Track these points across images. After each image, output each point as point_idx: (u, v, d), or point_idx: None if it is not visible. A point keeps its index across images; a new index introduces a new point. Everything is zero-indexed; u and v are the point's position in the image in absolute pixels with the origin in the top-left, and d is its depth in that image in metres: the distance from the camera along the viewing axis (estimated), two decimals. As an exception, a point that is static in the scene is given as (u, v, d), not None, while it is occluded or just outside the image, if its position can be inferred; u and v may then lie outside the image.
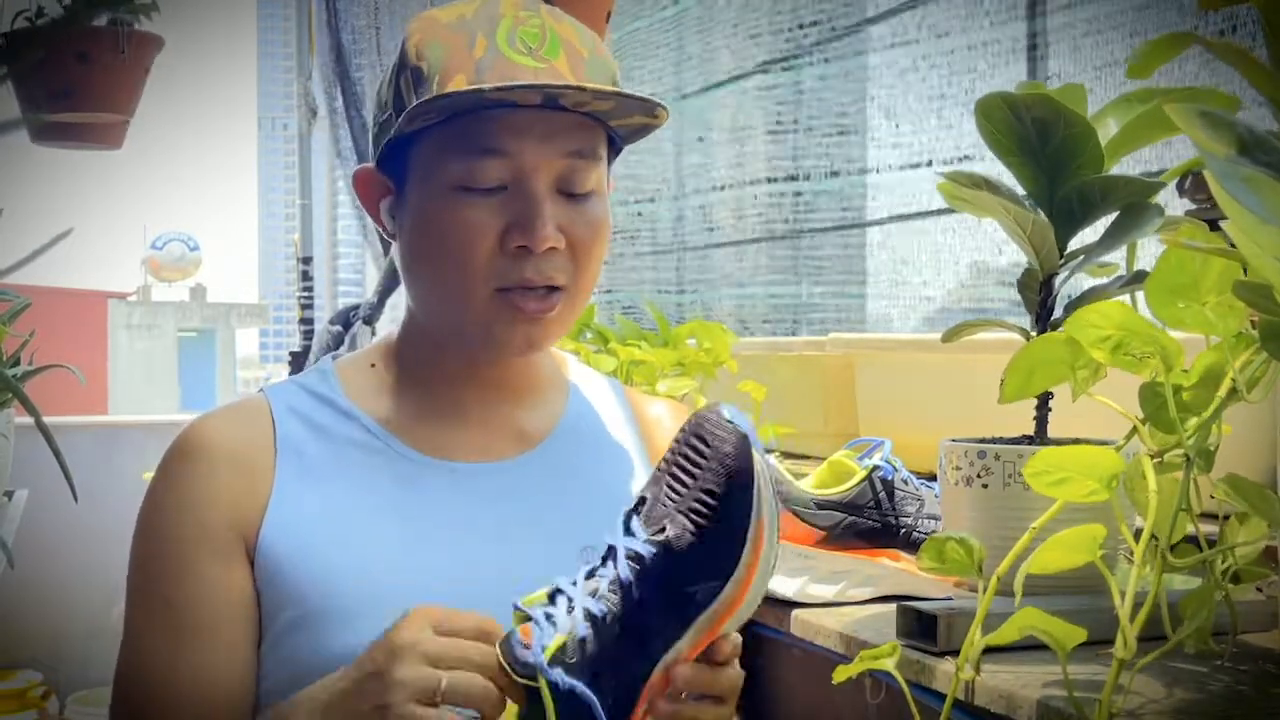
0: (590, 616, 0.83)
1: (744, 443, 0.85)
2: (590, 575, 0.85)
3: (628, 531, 0.86)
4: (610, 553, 0.85)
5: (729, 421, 0.85)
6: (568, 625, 0.83)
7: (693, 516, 0.84)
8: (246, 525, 1.04)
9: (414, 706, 0.83)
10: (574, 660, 0.82)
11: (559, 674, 0.81)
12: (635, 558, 0.84)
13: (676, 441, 0.88)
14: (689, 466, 0.86)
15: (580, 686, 0.81)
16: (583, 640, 0.82)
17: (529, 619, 0.84)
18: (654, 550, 0.84)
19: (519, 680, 0.83)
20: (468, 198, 1.02)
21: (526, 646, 0.83)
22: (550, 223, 1.01)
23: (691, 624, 0.84)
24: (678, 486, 0.85)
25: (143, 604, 1.06)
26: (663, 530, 0.84)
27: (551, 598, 0.85)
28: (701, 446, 0.85)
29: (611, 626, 0.83)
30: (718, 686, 0.88)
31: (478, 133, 1.01)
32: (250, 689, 1.04)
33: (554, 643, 0.82)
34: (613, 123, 1.06)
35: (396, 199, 1.08)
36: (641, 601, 0.83)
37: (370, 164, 1.10)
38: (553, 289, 1.03)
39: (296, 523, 1.03)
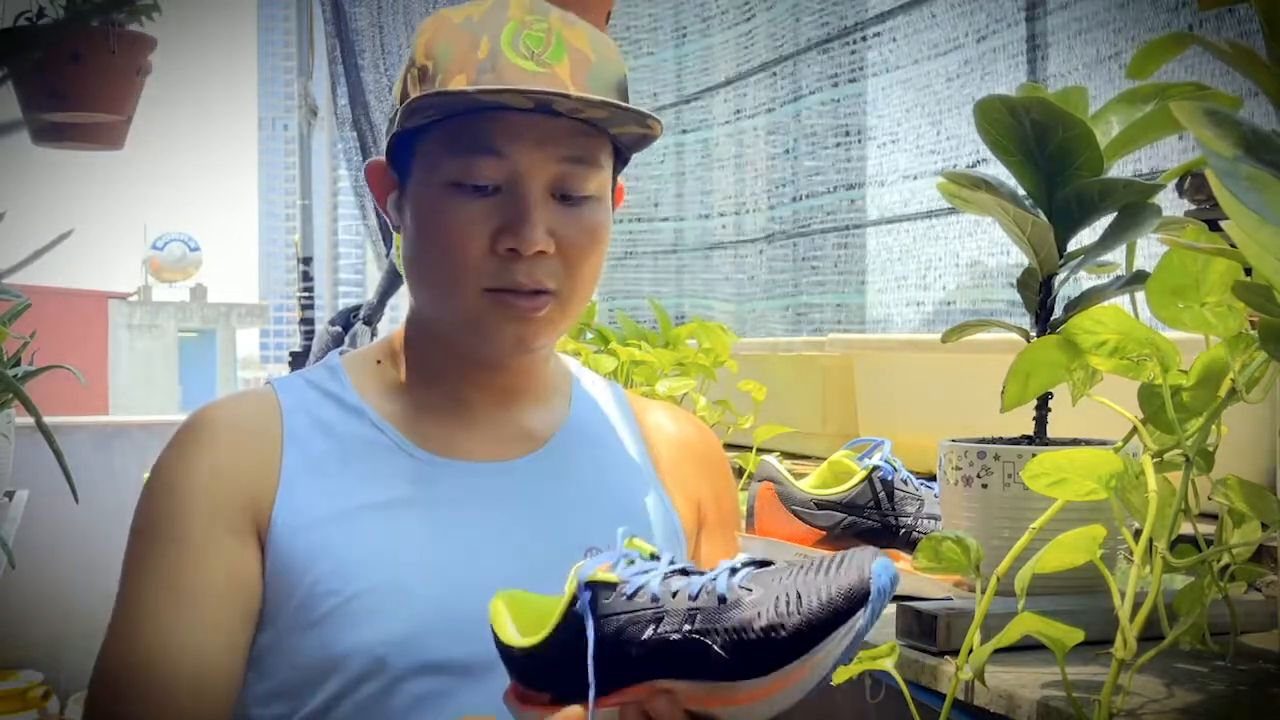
0: (665, 593, 0.83)
1: (862, 593, 0.82)
2: (674, 573, 0.85)
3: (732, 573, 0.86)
4: (700, 572, 0.85)
5: (872, 572, 0.83)
6: (630, 576, 0.84)
7: (784, 608, 0.81)
8: (258, 509, 1.03)
9: None
10: (618, 611, 0.82)
11: (586, 598, 0.82)
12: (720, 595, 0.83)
13: (835, 555, 0.88)
14: (823, 571, 0.84)
15: (591, 622, 0.82)
16: (649, 597, 0.83)
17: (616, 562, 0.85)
18: (736, 598, 0.82)
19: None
20: (461, 196, 1.03)
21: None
22: (540, 226, 1.02)
23: (698, 678, 0.82)
24: (802, 578, 0.84)
25: (142, 569, 1.03)
26: (751, 593, 0.83)
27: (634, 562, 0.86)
28: (839, 571, 0.83)
29: (672, 618, 0.82)
30: None
31: (474, 132, 1.02)
32: (239, 673, 1.01)
33: (603, 573, 0.83)
34: (612, 130, 1.06)
35: (400, 193, 1.09)
36: (699, 628, 0.82)
37: (381, 158, 1.11)
38: (541, 292, 1.03)
39: (304, 517, 1.03)
